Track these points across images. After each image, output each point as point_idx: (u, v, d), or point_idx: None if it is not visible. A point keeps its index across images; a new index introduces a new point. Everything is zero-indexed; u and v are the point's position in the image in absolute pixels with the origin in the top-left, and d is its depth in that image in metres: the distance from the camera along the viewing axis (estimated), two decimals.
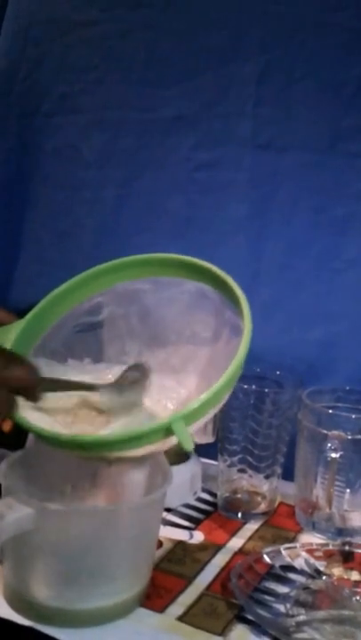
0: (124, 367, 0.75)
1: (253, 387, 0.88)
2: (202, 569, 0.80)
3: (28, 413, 0.67)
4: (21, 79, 1.19)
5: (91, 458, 0.68)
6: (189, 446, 0.62)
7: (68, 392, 0.71)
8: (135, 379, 0.72)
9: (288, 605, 0.72)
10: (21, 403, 0.67)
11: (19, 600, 0.70)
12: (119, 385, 0.72)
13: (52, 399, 0.68)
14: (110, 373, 0.76)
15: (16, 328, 0.72)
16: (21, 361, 0.64)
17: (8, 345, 0.71)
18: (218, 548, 0.84)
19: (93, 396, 0.71)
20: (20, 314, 0.74)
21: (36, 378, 0.65)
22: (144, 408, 0.73)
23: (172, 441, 0.64)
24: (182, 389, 0.74)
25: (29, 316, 0.74)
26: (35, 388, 0.65)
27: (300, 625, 0.70)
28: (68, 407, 0.71)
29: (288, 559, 0.80)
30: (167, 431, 0.62)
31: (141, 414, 0.71)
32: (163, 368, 0.76)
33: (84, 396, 0.71)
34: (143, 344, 0.78)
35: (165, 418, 0.63)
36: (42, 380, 0.67)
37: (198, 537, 0.86)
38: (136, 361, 0.75)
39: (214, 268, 0.72)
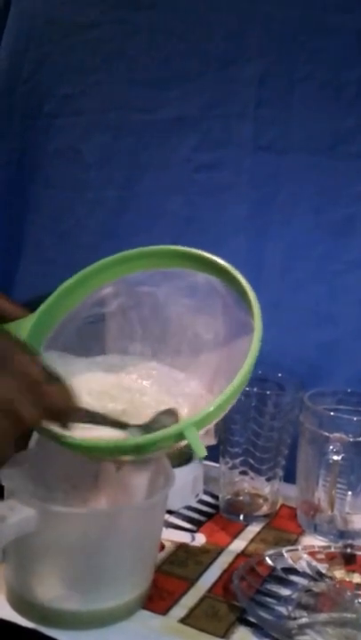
0: (136, 359, 0.76)
1: (255, 389, 0.88)
2: (204, 571, 0.80)
3: None
4: (24, 80, 1.18)
5: (99, 460, 0.68)
6: (202, 453, 0.62)
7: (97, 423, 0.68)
8: (165, 424, 0.68)
9: (290, 608, 0.72)
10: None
11: (21, 602, 0.70)
12: (149, 428, 0.68)
13: None
14: (123, 366, 0.76)
15: (28, 322, 0.73)
16: (62, 382, 0.62)
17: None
18: (220, 550, 0.84)
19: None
20: (28, 305, 0.74)
21: (74, 405, 0.62)
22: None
23: (182, 443, 0.64)
24: (193, 382, 0.74)
25: (41, 309, 0.74)
26: (69, 415, 0.62)
27: (302, 627, 0.70)
28: None
29: (290, 561, 0.80)
30: (179, 437, 0.63)
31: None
32: (173, 360, 0.76)
33: None
34: (153, 336, 0.78)
35: (178, 425, 0.64)
36: (78, 409, 0.64)
37: (200, 539, 0.86)
38: (169, 407, 0.71)
39: (225, 263, 0.72)
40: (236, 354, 0.67)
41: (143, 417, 0.70)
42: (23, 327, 0.73)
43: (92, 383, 0.73)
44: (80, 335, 0.77)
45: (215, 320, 0.75)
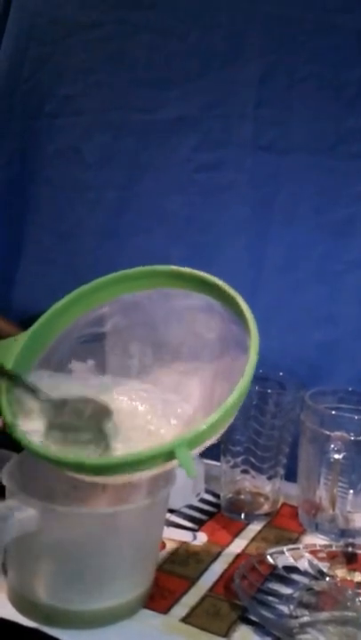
0: (129, 381, 0.76)
1: (256, 388, 0.88)
2: (205, 570, 0.80)
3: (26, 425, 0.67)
4: (24, 80, 1.18)
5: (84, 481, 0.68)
6: (193, 473, 0.61)
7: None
8: (77, 408, 0.70)
9: (291, 606, 0.72)
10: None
11: (23, 601, 0.70)
12: (58, 405, 0.70)
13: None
14: (115, 387, 0.75)
15: (19, 341, 0.72)
16: None
17: (12, 358, 0.71)
18: (221, 549, 0.84)
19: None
20: (22, 323, 0.74)
21: None
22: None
23: (173, 464, 0.64)
24: (186, 404, 0.73)
25: (33, 328, 0.74)
26: None
27: (303, 626, 0.70)
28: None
29: (291, 560, 0.80)
30: (169, 455, 0.62)
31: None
32: (166, 381, 0.76)
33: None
34: (147, 356, 0.77)
35: (168, 443, 0.63)
36: None
37: (201, 538, 0.86)
38: (100, 400, 0.72)
39: (222, 284, 0.71)
40: (234, 372, 0.67)
41: (129, 440, 0.70)
42: (15, 345, 0.72)
43: None
44: (74, 354, 0.76)
45: (212, 338, 0.74)
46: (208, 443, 0.66)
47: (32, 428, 0.68)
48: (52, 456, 0.65)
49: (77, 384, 0.75)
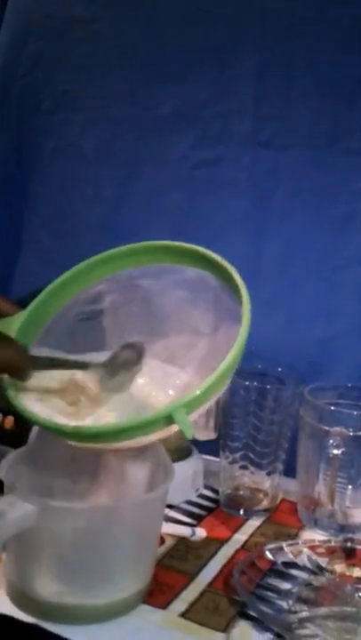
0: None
1: (255, 383, 0.88)
2: (204, 565, 0.80)
3: (29, 404, 0.67)
4: (21, 76, 1.18)
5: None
6: (190, 434, 0.62)
7: (59, 371, 0.72)
8: (128, 358, 0.73)
9: (290, 602, 0.72)
10: (24, 393, 0.68)
11: (22, 597, 0.70)
12: (112, 364, 0.73)
13: (37, 380, 0.70)
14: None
15: (18, 319, 0.73)
16: (8, 341, 0.67)
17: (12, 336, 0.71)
18: (220, 544, 0.84)
19: (82, 377, 0.73)
20: (20, 302, 0.75)
21: (24, 357, 0.67)
22: (134, 392, 0.74)
23: (172, 430, 0.64)
24: (184, 375, 0.74)
25: (31, 306, 0.74)
26: (23, 367, 0.67)
27: (302, 621, 0.70)
28: (54, 389, 0.72)
29: (290, 556, 0.80)
30: (168, 420, 0.63)
31: (130, 400, 0.72)
32: (164, 354, 0.77)
33: (73, 378, 0.73)
34: (144, 331, 0.78)
35: (166, 407, 0.64)
36: (31, 358, 0.68)
37: (200, 533, 0.86)
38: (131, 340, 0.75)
39: (214, 255, 0.72)
40: (228, 341, 0.68)
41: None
42: (13, 324, 0.73)
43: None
44: (71, 332, 0.77)
45: (207, 311, 0.75)
46: (205, 406, 0.67)
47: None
48: (51, 426, 0.66)
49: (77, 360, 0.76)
